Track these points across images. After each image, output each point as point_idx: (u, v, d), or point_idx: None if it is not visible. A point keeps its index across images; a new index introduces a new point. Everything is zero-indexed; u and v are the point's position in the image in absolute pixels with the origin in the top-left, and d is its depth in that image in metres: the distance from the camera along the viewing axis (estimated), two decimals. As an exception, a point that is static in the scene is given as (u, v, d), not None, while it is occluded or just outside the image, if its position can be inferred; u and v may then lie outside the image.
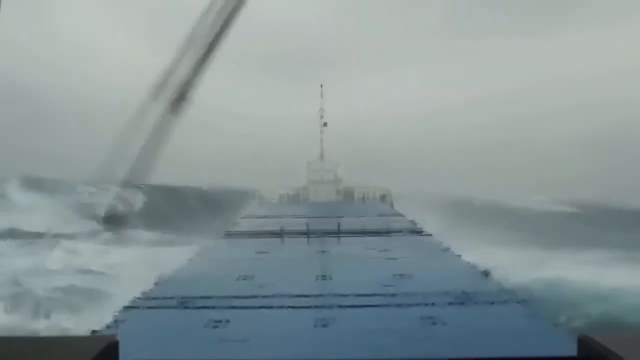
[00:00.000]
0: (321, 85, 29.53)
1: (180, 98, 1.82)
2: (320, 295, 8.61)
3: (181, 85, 1.77)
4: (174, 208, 42.39)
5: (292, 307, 7.97)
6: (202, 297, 8.45)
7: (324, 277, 9.95)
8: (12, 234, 26.69)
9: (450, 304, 8.00)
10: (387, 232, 15.15)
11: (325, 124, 29.36)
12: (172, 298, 8.42)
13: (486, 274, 10.04)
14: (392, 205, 23.92)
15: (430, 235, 14.84)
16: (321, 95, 29.63)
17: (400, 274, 9.93)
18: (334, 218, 16.35)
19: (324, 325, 7.17)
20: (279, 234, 14.86)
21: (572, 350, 2.27)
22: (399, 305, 8.01)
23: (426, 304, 7.95)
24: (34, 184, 42.61)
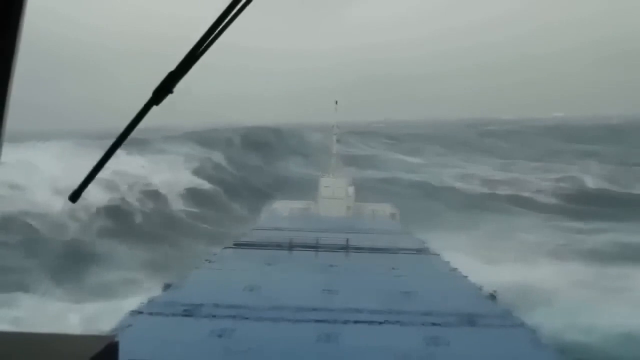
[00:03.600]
0: (336, 102, 27.06)
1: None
2: (326, 309, 8.66)
3: None
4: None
5: (297, 321, 8.03)
6: (208, 306, 8.55)
7: (330, 292, 9.96)
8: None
9: (454, 325, 8.02)
10: (395, 250, 15.03)
11: (338, 141, 27.40)
12: (179, 305, 8.53)
13: (493, 296, 9.95)
14: (400, 224, 23.77)
15: (438, 255, 14.66)
16: (335, 110, 26.92)
17: (406, 292, 9.92)
18: (343, 234, 16.39)
19: (328, 340, 7.24)
20: (288, 246, 14.93)
21: None
22: (403, 324, 8.04)
23: (430, 324, 7.99)
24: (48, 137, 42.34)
